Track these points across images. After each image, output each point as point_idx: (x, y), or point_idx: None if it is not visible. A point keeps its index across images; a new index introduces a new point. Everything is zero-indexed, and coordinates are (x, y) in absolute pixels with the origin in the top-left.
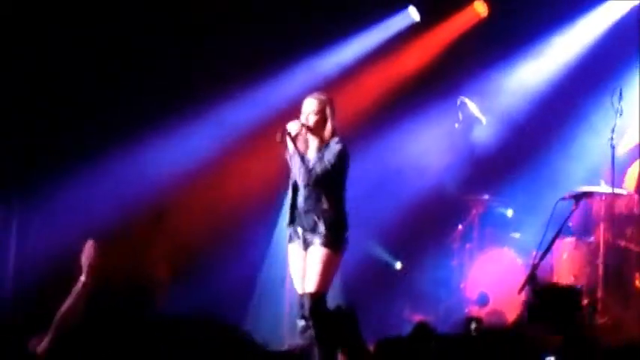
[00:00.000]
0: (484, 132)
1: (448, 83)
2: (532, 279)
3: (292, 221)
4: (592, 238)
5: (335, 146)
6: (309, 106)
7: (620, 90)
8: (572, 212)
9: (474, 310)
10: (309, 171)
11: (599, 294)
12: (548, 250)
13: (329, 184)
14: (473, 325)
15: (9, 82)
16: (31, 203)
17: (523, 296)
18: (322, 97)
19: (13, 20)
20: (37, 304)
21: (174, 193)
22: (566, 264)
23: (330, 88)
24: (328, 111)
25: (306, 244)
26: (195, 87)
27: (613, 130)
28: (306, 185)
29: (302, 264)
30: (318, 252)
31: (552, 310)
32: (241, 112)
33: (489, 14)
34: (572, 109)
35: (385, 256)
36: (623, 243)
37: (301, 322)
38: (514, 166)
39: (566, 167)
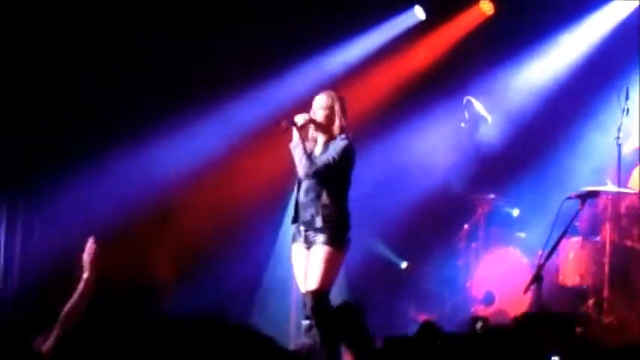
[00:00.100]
0: (490, 131)
1: (454, 82)
2: (538, 278)
3: (296, 219)
4: (598, 238)
5: (340, 142)
6: (318, 102)
7: (627, 89)
8: (578, 212)
9: (480, 310)
10: (310, 162)
11: (606, 294)
12: (554, 249)
13: (330, 178)
14: (479, 325)
15: (9, 82)
16: (34, 203)
17: (529, 296)
18: (332, 94)
19: (13, 20)
20: (41, 304)
21: (179, 192)
22: (572, 264)
23: (337, 86)
24: (337, 109)
25: (309, 243)
26: (195, 87)
27: (619, 129)
28: (307, 177)
29: (305, 263)
30: (320, 251)
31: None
32: (246, 111)
33: (496, 13)
34: (580, 108)
35: (390, 255)
36: (629, 243)
37: (306, 322)
38: (520, 166)
39: (573, 166)
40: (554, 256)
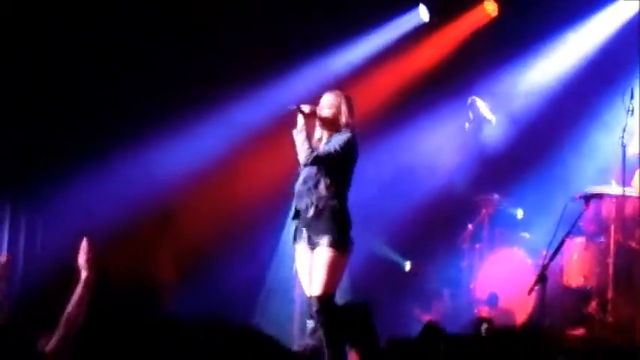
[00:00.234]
0: (494, 131)
1: (459, 82)
2: (542, 279)
3: (297, 215)
4: (602, 239)
5: (343, 135)
6: (325, 100)
7: (632, 89)
8: (582, 213)
9: (484, 311)
10: (310, 148)
11: (610, 294)
12: (558, 250)
13: (330, 169)
14: (484, 326)
15: (9, 82)
16: (37, 204)
17: (533, 297)
18: (339, 93)
19: (13, 20)
20: (44, 304)
21: (181, 193)
22: (576, 264)
23: (341, 87)
24: (344, 108)
25: (312, 245)
26: (195, 87)
27: (624, 130)
28: (306, 163)
29: (308, 264)
30: (323, 254)
31: None
32: (248, 112)
33: (500, 14)
34: (584, 108)
35: (394, 256)
36: (633, 244)
37: (310, 323)
38: (524, 166)
39: (578, 166)
40: (558, 257)
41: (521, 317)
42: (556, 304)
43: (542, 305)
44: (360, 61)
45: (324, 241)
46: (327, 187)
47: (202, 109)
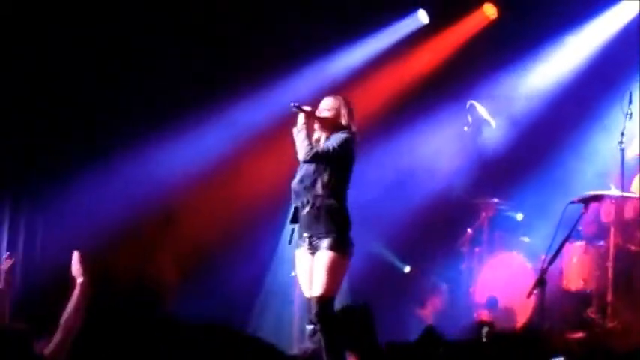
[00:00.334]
0: (493, 135)
1: (458, 86)
2: (541, 283)
3: (294, 220)
4: (602, 242)
5: (342, 134)
6: (325, 103)
7: (630, 93)
8: (581, 216)
9: (483, 314)
10: (310, 145)
11: (609, 298)
12: (557, 253)
13: (327, 168)
14: (484, 330)
15: (9, 82)
16: (37, 205)
17: (532, 300)
18: (339, 97)
19: (13, 20)
20: (44, 305)
21: (183, 194)
22: (575, 268)
23: (341, 90)
24: (344, 111)
25: (313, 248)
26: (195, 87)
27: (622, 134)
28: (305, 160)
29: (309, 267)
30: (324, 256)
31: None
32: (249, 113)
33: (499, 17)
34: (583, 112)
35: (393, 259)
36: (633, 247)
37: (310, 326)
38: (523, 170)
39: (577, 169)
40: (557, 261)
41: (520, 320)
42: (555, 307)
43: (541, 309)
44: (360, 64)
45: (325, 243)
46: (324, 186)
47: (202, 109)
